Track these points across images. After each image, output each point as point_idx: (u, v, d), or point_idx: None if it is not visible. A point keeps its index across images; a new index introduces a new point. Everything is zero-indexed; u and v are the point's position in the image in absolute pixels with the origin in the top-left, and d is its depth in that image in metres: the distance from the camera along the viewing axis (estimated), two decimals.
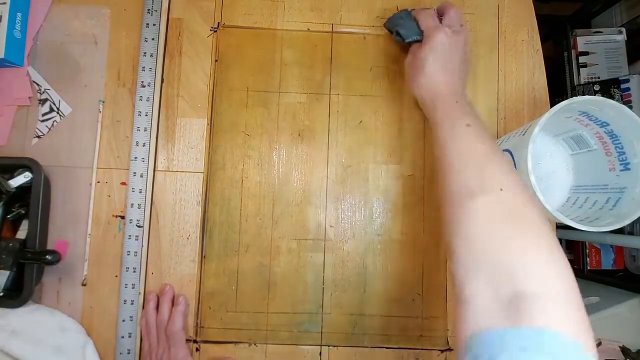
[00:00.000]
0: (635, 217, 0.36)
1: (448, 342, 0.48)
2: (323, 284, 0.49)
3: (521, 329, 0.24)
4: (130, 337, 0.46)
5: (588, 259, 0.92)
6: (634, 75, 0.86)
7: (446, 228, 0.33)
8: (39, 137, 0.49)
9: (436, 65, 0.41)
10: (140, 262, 0.47)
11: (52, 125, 0.49)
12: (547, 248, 0.28)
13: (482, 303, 0.26)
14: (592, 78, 0.94)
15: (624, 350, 0.68)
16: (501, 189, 0.31)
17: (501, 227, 0.29)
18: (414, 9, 0.47)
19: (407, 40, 0.46)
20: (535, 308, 0.24)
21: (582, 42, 0.96)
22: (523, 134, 0.38)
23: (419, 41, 0.44)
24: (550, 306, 0.24)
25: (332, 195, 0.49)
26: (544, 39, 0.52)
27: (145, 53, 0.49)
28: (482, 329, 0.25)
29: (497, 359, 0.23)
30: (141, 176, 0.48)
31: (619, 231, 0.80)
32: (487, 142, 0.35)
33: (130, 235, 0.47)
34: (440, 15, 0.45)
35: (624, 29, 0.94)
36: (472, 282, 0.28)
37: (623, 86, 0.86)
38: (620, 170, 0.40)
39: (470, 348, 0.25)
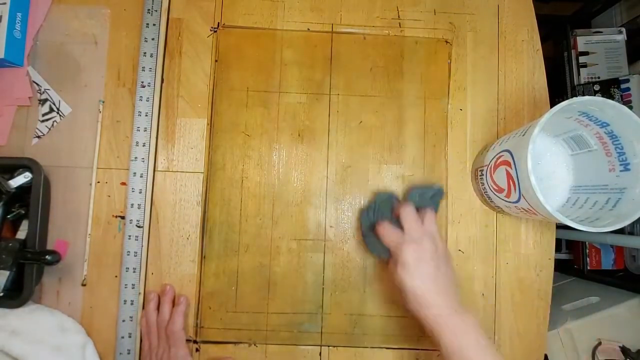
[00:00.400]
0: (635, 218, 0.36)
1: None
2: (323, 284, 0.49)
3: None
4: (130, 337, 0.46)
5: (588, 259, 0.92)
6: (634, 75, 0.86)
7: None
8: (39, 137, 0.49)
9: (415, 284, 0.39)
10: (140, 262, 0.47)
11: (52, 125, 0.49)
12: None
13: None
14: (592, 78, 0.94)
15: (624, 350, 0.68)
16: None
17: None
18: (374, 204, 0.47)
19: (378, 259, 0.46)
20: None
21: (582, 42, 0.96)
22: (523, 135, 0.38)
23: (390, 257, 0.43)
24: None
25: (332, 195, 0.49)
26: (544, 39, 0.52)
27: (145, 53, 0.49)
28: None
29: None
30: (141, 176, 0.48)
31: (619, 231, 0.80)
32: None
33: (130, 236, 0.47)
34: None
35: (624, 29, 0.94)
36: None
37: (623, 86, 0.86)
38: (620, 171, 0.40)
39: None
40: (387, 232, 0.43)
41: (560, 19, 1.04)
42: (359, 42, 0.51)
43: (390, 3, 0.52)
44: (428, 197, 0.46)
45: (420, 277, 0.39)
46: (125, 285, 0.47)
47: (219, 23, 0.51)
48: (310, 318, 0.48)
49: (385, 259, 0.45)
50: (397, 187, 0.50)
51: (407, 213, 0.42)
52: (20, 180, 0.44)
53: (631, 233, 0.82)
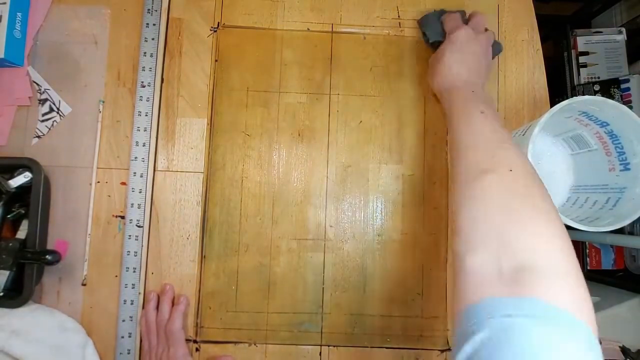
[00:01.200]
0: (635, 217, 0.36)
1: (448, 342, 0.48)
2: (323, 284, 0.49)
3: (516, 298, 0.24)
4: (130, 337, 0.46)
5: (588, 259, 0.92)
6: (634, 75, 0.85)
7: (454, 207, 0.33)
8: (39, 137, 0.49)
9: (454, 57, 0.43)
10: (140, 262, 0.47)
11: (52, 125, 0.49)
12: (551, 225, 0.28)
13: (483, 275, 0.27)
14: (592, 78, 0.94)
15: (624, 350, 0.68)
16: (510, 170, 0.31)
17: (508, 204, 0.29)
18: (444, 11, 0.49)
19: (430, 41, 0.48)
20: (535, 280, 0.24)
21: (582, 42, 0.95)
22: (523, 134, 0.38)
23: (442, 42, 0.46)
24: (550, 279, 0.25)
25: (332, 195, 0.49)
26: (544, 39, 0.52)
27: (145, 53, 0.49)
28: (479, 299, 0.25)
29: (484, 323, 0.23)
30: (141, 176, 0.48)
31: (619, 231, 0.80)
32: (499, 128, 0.35)
33: (130, 235, 0.47)
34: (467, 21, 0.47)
35: (624, 29, 0.94)
36: (476, 256, 0.28)
37: (623, 86, 0.86)
38: (620, 170, 0.40)
39: (467, 318, 0.25)
40: (453, 17, 0.47)
41: (560, 19, 1.04)
42: (359, 42, 0.51)
43: (390, 3, 0.52)
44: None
45: (462, 53, 0.43)
46: (125, 285, 0.47)
47: (219, 23, 0.51)
48: (310, 318, 0.48)
49: (437, 41, 0.47)
50: (396, 187, 0.50)
51: (480, 17, 0.46)
52: (20, 180, 0.44)
53: (631, 233, 0.82)
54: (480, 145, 0.34)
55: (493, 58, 0.48)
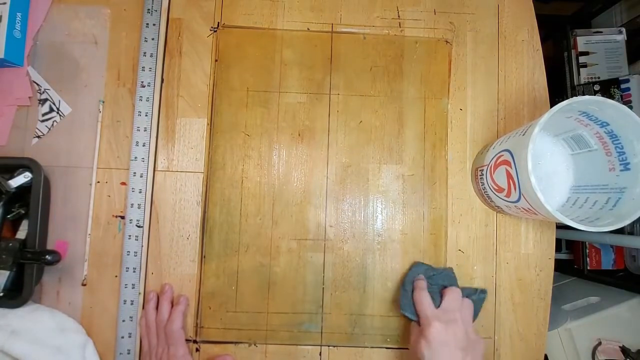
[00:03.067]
0: (635, 217, 0.36)
1: None
2: (323, 284, 0.49)
3: None
4: (130, 337, 0.46)
5: (588, 259, 0.92)
6: (634, 75, 0.85)
7: None
8: (39, 137, 0.49)
9: (432, 357, 0.39)
10: (140, 262, 0.47)
11: (52, 125, 0.49)
12: None
13: None
14: (592, 78, 0.94)
15: (624, 350, 0.68)
16: None
17: None
18: (420, 274, 0.46)
19: (402, 313, 0.45)
20: None
21: (582, 42, 0.95)
22: (523, 134, 0.38)
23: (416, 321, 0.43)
24: None
25: (332, 195, 0.49)
26: (544, 39, 0.52)
27: (145, 53, 0.49)
28: None
29: None
30: (141, 176, 0.48)
31: (619, 231, 0.80)
32: None
33: (130, 235, 0.47)
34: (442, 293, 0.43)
35: (624, 29, 0.94)
36: None
37: (623, 86, 0.86)
38: (620, 170, 0.40)
39: None
40: (423, 299, 0.42)
41: (560, 19, 1.04)
42: (359, 42, 0.51)
43: (390, 3, 0.52)
44: (472, 299, 0.45)
45: (438, 353, 0.38)
46: (125, 285, 0.47)
47: (219, 23, 0.51)
48: (310, 318, 0.48)
49: (411, 320, 0.44)
50: (396, 187, 0.50)
51: (453, 292, 0.43)
52: (20, 180, 0.44)
53: (631, 233, 0.82)
54: None
55: (479, 312, 0.45)
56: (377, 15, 0.51)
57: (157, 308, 0.47)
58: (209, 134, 0.50)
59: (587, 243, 0.92)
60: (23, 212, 0.46)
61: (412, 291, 0.45)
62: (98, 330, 0.47)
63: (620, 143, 0.39)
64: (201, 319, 0.48)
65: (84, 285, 0.47)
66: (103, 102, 0.49)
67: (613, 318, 0.72)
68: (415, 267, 0.47)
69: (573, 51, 0.97)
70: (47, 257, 0.43)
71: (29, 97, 0.49)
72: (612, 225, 0.36)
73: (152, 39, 0.49)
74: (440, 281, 0.46)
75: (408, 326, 0.48)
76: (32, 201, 0.44)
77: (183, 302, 0.46)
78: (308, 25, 0.51)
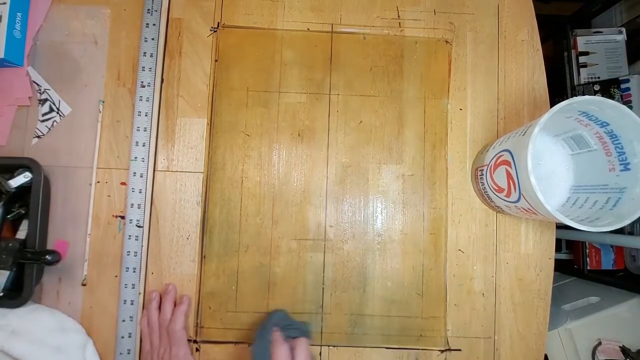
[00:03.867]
0: (635, 217, 0.36)
1: (448, 342, 0.48)
2: (323, 284, 0.49)
3: None
4: (130, 337, 0.46)
5: (588, 259, 0.92)
6: (634, 75, 0.86)
7: None
8: (39, 137, 0.49)
9: None
10: (140, 262, 0.47)
11: (52, 125, 0.49)
12: None
13: None
14: (592, 78, 0.94)
15: (624, 350, 0.68)
16: None
17: None
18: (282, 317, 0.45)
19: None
20: None
21: (582, 42, 0.96)
22: (523, 134, 0.38)
23: None
24: None
25: (332, 195, 0.49)
26: (544, 39, 0.52)
27: (145, 53, 0.49)
28: None
29: None
30: (141, 176, 0.48)
31: (619, 231, 0.80)
32: None
33: (130, 235, 0.47)
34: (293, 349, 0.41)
35: (624, 29, 0.94)
36: None
37: (623, 86, 0.86)
38: (620, 171, 0.40)
39: None
40: (281, 354, 0.39)
41: (560, 19, 1.04)
42: (359, 42, 0.51)
43: (390, 3, 0.52)
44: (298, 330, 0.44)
45: None
46: (125, 285, 0.47)
47: (219, 23, 0.51)
48: (310, 318, 0.48)
49: None
50: (396, 187, 0.50)
51: (299, 350, 0.40)
52: (20, 180, 0.44)
53: (631, 233, 0.82)
54: None
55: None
56: (377, 15, 0.51)
57: (159, 308, 0.47)
58: (209, 134, 0.50)
59: (587, 243, 0.92)
60: (23, 212, 0.46)
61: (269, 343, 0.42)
62: (98, 330, 0.47)
63: (620, 143, 0.39)
64: (201, 319, 0.48)
65: (84, 285, 0.47)
66: (103, 102, 0.49)
67: (613, 318, 0.72)
68: (275, 314, 0.45)
69: (573, 51, 0.97)
70: (47, 257, 0.43)
71: (29, 97, 0.49)
72: (612, 225, 0.36)
73: (152, 39, 0.49)
74: (293, 334, 0.43)
75: (408, 326, 0.48)
76: (32, 201, 0.44)
77: (186, 302, 0.46)
78: (308, 25, 0.51)
